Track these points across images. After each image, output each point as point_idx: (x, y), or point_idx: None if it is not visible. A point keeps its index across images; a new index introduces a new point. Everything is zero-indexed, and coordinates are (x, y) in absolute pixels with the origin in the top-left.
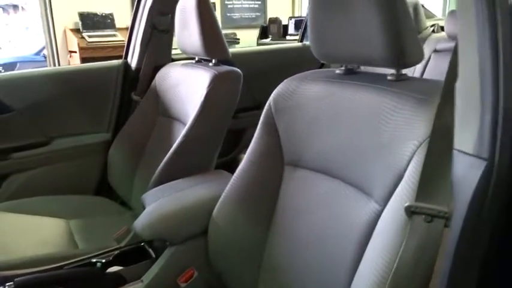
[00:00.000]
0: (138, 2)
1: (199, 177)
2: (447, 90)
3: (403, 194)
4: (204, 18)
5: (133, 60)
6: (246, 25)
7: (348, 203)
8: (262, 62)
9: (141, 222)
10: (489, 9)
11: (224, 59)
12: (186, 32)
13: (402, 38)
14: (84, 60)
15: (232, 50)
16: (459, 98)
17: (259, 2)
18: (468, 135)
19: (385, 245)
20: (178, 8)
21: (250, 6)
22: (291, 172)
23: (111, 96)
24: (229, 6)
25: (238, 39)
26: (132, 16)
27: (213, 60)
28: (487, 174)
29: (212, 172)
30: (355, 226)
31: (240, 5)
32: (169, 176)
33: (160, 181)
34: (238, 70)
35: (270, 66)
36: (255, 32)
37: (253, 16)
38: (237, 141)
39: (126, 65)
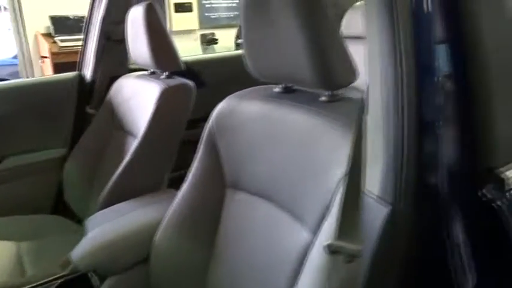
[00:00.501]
0: (90, 11)
1: (147, 198)
2: (358, 126)
3: (330, 228)
4: (152, 29)
5: (88, 72)
6: (225, 24)
7: (284, 229)
8: (223, 69)
9: (80, 250)
10: (391, 44)
11: (176, 70)
12: (136, 43)
13: (328, 58)
14: (56, 65)
15: (194, 57)
16: (368, 135)
17: (237, 1)
18: (374, 177)
19: (313, 279)
20: (129, 17)
21: (229, 5)
22: (231, 195)
23: (65, 110)
24: (206, 5)
25: (217, 39)
26: (85, 26)
27: (166, 72)
28: (391, 218)
29: (161, 192)
30: (290, 254)
31: (218, 4)
32: (118, 196)
33: (110, 201)
34: (190, 82)
35: (232, 73)
36: (234, 32)
37: (232, 15)
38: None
39: (81, 77)
